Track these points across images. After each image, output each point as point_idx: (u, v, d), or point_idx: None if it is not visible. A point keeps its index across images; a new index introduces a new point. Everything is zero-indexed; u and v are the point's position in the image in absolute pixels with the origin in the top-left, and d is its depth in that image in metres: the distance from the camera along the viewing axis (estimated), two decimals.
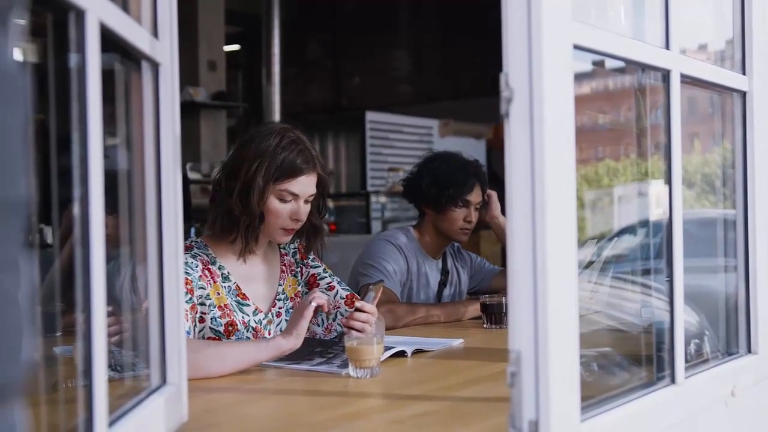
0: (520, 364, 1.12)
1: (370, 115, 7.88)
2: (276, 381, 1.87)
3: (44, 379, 1.13)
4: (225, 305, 2.09)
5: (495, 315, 2.58)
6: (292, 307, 2.24)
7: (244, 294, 2.15)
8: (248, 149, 2.09)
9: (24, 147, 0.53)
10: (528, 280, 1.12)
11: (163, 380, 1.33)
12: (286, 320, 2.21)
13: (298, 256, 2.32)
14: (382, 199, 7.44)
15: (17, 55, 0.55)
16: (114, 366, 1.26)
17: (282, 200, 2.09)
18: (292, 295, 2.27)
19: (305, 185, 2.10)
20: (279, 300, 2.24)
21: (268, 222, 2.11)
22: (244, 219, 2.07)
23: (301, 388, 1.77)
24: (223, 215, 2.11)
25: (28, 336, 0.55)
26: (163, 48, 1.32)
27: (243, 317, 2.12)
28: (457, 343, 2.28)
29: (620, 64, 1.50)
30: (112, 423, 1.05)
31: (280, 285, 2.25)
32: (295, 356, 2.01)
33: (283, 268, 2.28)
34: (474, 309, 2.75)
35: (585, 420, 1.20)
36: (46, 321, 1.70)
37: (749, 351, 1.75)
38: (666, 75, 1.45)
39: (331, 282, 2.30)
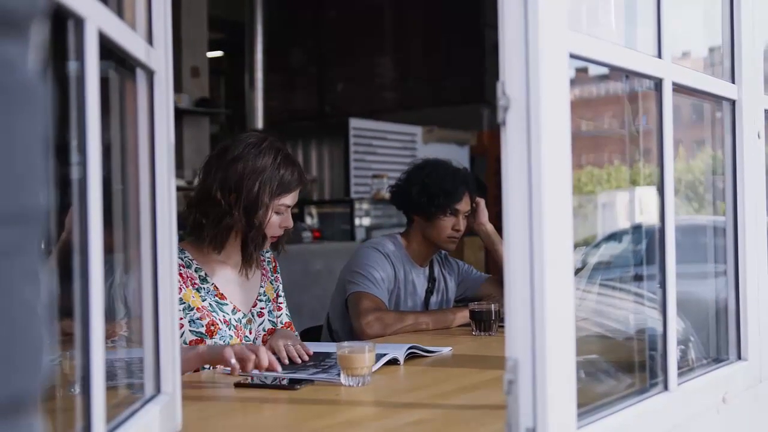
0: (517, 372, 1.12)
1: (354, 122, 7.87)
2: (269, 390, 1.86)
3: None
4: (203, 306, 2.15)
5: (484, 322, 2.59)
6: (271, 310, 2.34)
7: (222, 294, 2.21)
8: (243, 166, 2.15)
9: (44, 158, 0.53)
10: (525, 288, 1.12)
11: (158, 390, 1.32)
12: (269, 320, 2.32)
13: (270, 267, 2.42)
14: (366, 205, 7.43)
15: (36, 66, 0.55)
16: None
17: (278, 213, 2.21)
18: (272, 299, 2.37)
19: (296, 196, 2.26)
20: (261, 300, 2.33)
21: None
22: (253, 235, 2.17)
23: (294, 396, 1.76)
24: (223, 229, 2.16)
25: (47, 347, 0.54)
26: (158, 56, 1.31)
27: (223, 316, 2.19)
28: (446, 351, 2.28)
29: (604, 70, 1.51)
30: None
31: (262, 287, 2.34)
32: (290, 367, 2.01)
33: (264, 272, 2.37)
34: (462, 316, 2.76)
35: (581, 427, 1.20)
36: None
37: (739, 357, 1.76)
38: (659, 83, 1.46)
39: (281, 303, 2.43)
